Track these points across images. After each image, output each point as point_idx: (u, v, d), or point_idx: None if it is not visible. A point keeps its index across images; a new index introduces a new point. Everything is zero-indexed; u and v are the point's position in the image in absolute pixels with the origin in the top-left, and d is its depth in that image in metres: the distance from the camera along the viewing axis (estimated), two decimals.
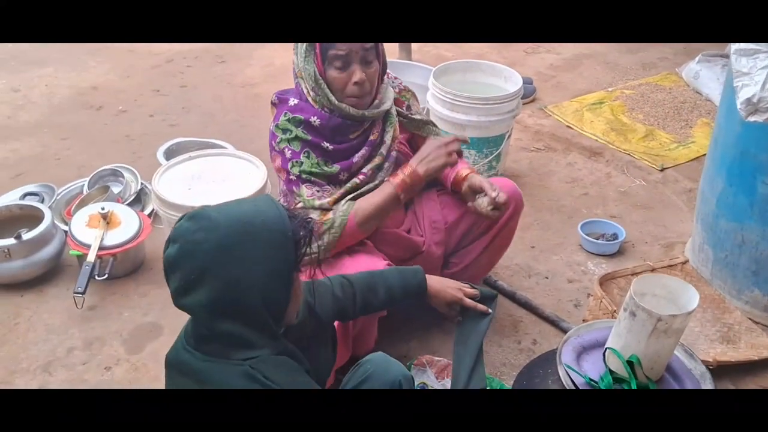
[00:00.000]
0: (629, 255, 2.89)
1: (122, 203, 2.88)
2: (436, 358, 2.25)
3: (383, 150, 2.12)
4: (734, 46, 2.14)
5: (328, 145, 2.03)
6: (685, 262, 2.67)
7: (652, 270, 2.59)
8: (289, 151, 2.03)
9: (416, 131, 2.31)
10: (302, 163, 2.03)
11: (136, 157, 3.44)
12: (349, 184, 2.06)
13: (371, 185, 2.09)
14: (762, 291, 2.49)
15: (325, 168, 2.04)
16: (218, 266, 1.32)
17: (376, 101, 2.09)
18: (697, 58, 4.30)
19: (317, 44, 1.93)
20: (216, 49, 4.77)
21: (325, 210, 2.02)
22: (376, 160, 2.10)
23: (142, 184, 3.09)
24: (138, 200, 3.05)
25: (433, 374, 2.19)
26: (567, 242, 2.96)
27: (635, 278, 1.73)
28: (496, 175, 3.28)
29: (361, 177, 2.07)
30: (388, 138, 2.13)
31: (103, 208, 2.65)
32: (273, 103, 2.13)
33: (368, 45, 1.96)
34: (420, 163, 2.05)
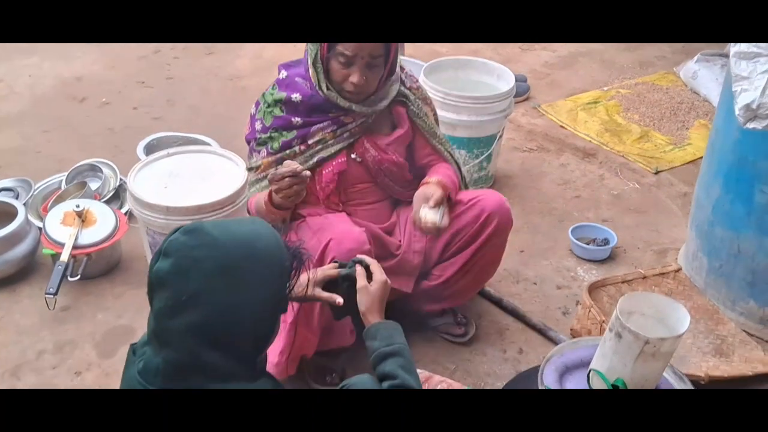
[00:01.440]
0: (620, 261, 2.81)
1: (100, 200, 2.79)
2: (418, 370, 2.17)
3: (341, 130, 2.08)
4: (734, 49, 2.06)
5: (298, 119, 2.07)
6: (678, 270, 2.59)
7: (644, 277, 2.51)
8: (260, 124, 2.12)
9: (426, 130, 2.23)
10: (268, 136, 2.10)
11: (118, 151, 3.35)
12: (288, 151, 2.08)
13: (304, 164, 2.03)
14: (758, 302, 2.41)
15: (284, 133, 2.08)
16: (215, 288, 1.21)
17: (372, 98, 2.07)
18: (695, 58, 4.22)
19: None
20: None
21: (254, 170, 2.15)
22: (328, 136, 2.07)
23: (121, 180, 3.00)
24: (117, 197, 2.96)
25: None
26: (557, 246, 2.88)
27: (622, 296, 1.64)
28: (487, 176, 3.20)
29: (302, 147, 2.08)
30: (352, 125, 2.08)
31: (78, 206, 2.56)
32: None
33: (377, 52, 1.94)
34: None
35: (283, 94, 2.07)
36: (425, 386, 2.09)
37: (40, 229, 2.65)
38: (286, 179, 1.84)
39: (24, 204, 2.76)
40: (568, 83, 4.29)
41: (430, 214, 2.00)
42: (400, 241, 2.22)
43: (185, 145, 2.83)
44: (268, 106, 2.10)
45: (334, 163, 2.10)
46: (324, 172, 2.11)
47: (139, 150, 3.10)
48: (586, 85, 4.26)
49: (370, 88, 2.03)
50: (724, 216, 2.41)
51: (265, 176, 2.11)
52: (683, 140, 3.67)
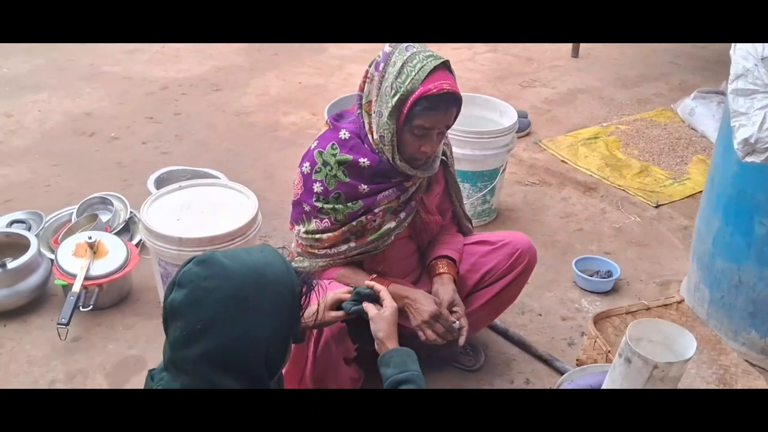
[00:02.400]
0: (624, 293, 2.85)
1: (110, 232, 2.83)
2: None
3: (404, 196, 2.04)
4: (731, 86, 2.13)
5: (365, 187, 1.97)
6: (681, 301, 2.63)
7: (648, 309, 2.55)
8: (321, 186, 1.97)
9: (452, 185, 2.25)
10: (328, 202, 1.98)
11: (127, 185, 3.41)
12: (354, 223, 2.00)
13: (376, 234, 2.03)
14: (759, 333, 2.45)
15: (349, 204, 1.98)
16: (228, 317, 1.25)
17: (430, 159, 2.04)
18: (692, 95, 4.31)
19: (407, 105, 1.83)
20: (211, 77, 4.77)
21: (316, 248, 2.03)
22: (393, 203, 2.03)
23: (131, 212, 3.05)
24: (127, 229, 3.01)
25: None
26: (561, 278, 2.92)
27: (631, 323, 1.68)
28: (490, 209, 3.25)
29: (369, 217, 2.01)
30: (413, 189, 2.05)
31: (90, 237, 2.60)
32: (327, 124, 2.06)
33: (451, 122, 1.92)
34: (405, 298, 2.01)
35: (349, 157, 1.94)
36: None
37: (51, 260, 2.69)
38: (441, 329, 1.97)
39: (36, 236, 2.80)
40: (568, 119, 4.37)
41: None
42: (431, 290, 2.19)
43: (195, 178, 2.88)
44: (330, 168, 1.96)
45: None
46: None
47: (150, 183, 3.16)
48: (586, 121, 4.35)
49: (435, 153, 2.02)
50: (725, 248, 2.46)
51: (327, 250, 2.04)
52: (682, 175, 3.73)
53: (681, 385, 2.23)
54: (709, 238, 2.53)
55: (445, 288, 2.10)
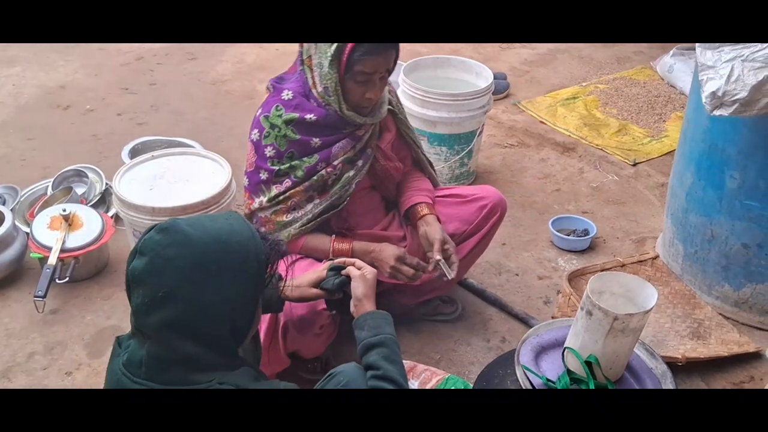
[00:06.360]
0: (600, 251, 2.87)
1: (86, 204, 2.81)
2: (404, 361, 2.22)
3: (359, 145, 2.07)
4: None
5: (316, 140, 1.99)
6: (656, 257, 2.65)
7: (622, 266, 2.57)
8: (272, 149, 1.99)
9: (405, 131, 2.26)
10: (283, 162, 1.99)
11: (102, 157, 3.38)
12: (315, 177, 2.01)
13: (337, 184, 2.05)
14: (732, 286, 2.48)
15: (305, 159, 2.00)
16: (190, 285, 1.25)
17: (376, 105, 2.08)
18: (671, 52, 4.30)
19: (346, 51, 1.85)
20: (187, 46, 4.70)
21: (282, 211, 2.04)
22: (350, 153, 2.05)
23: (106, 184, 3.02)
24: (103, 201, 2.99)
25: None
26: (538, 239, 2.93)
27: (592, 277, 1.69)
28: (468, 171, 3.25)
29: (329, 170, 2.02)
30: (366, 136, 2.08)
31: (64, 210, 2.59)
32: (268, 89, 2.08)
33: (390, 65, 1.94)
34: (371, 252, 2.05)
35: (295, 115, 1.96)
36: (409, 375, 2.14)
37: (27, 234, 2.67)
38: (409, 270, 2.01)
39: (11, 210, 2.78)
40: (547, 80, 4.36)
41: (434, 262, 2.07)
42: (403, 233, 2.25)
43: (169, 148, 2.86)
44: (279, 129, 1.98)
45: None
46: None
47: (124, 155, 3.13)
48: (565, 82, 4.33)
49: (380, 99, 2.05)
50: (697, 203, 2.47)
51: (294, 213, 2.04)
52: (660, 132, 3.74)
53: (655, 339, 2.28)
54: (682, 193, 2.54)
55: (433, 228, 2.13)
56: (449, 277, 2.07)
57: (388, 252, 2.04)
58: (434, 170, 2.42)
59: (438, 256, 2.05)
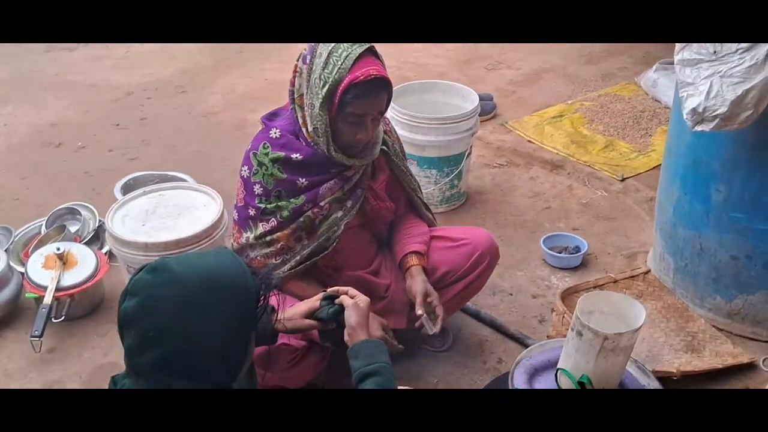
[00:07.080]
0: (592, 267, 2.90)
1: (80, 242, 2.83)
2: (400, 387, 2.22)
3: (348, 185, 2.05)
4: (678, 57, 2.16)
5: (303, 180, 1.99)
6: (647, 272, 2.67)
7: (615, 281, 2.59)
8: (260, 188, 1.99)
9: (400, 174, 2.24)
10: (270, 201, 2.00)
11: (95, 194, 3.40)
12: (301, 219, 2.01)
13: (325, 224, 2.04)
14: (724, 298, 2.50)
15: (292, 200, 2.00)
16: (180, 324, 1.27)
17: (368, 146, 2.06)
18: (654, 67, 4.35)
19: (338, 94, 1.85)
20: (176, 79, 4.74)
21: (272, 254, 2.03)
22: (338, 194, 2.04)
23: (100, 221, 3.04)
24: (96, 238, 3.00)
25: None
26: (531, 257, 2.96)
27: (581, 297, 1.71)
28: (459, 193, 3.28)
29: (315, 210, 2.02)
30: (356, 177, 2.06)
31: (58, 249, 2.60)
32: (261, 123, 2.08)
33: (383, 107, 1.94)
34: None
35: (281, 154, 1.96)
36: None
37: (22, 274, 2.69)
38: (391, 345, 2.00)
39: (5, 251, 2.80)
40: (533, 99, 4.40)
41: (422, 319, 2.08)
42: (389, 282, 2.24)
43: (162, 182, 2.89)
44: (266, 167, 1.98)
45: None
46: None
47: (116, 191, 3.15)
48: (551, 100, 4.37)
49: (371, 139, 2.02)
50: (685, 216, 2.50)
51: (284, 256, 2.03)
52: (647, 147, 3.78)
53: (650, 354, 2.29)
54: (669, 207, 2.57)
55: (415, 281, 2.13)
56: (430, 333, 2.07)
57: (374, 325, 2.00)
58: (432, 213, 2.40)
59: (420, 311, 2.06)
